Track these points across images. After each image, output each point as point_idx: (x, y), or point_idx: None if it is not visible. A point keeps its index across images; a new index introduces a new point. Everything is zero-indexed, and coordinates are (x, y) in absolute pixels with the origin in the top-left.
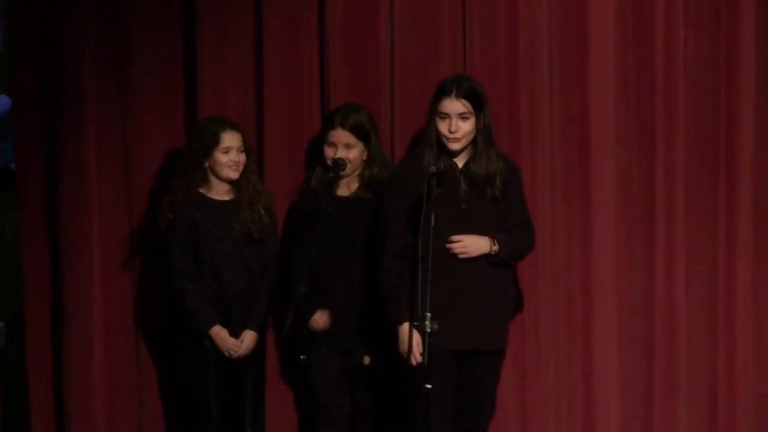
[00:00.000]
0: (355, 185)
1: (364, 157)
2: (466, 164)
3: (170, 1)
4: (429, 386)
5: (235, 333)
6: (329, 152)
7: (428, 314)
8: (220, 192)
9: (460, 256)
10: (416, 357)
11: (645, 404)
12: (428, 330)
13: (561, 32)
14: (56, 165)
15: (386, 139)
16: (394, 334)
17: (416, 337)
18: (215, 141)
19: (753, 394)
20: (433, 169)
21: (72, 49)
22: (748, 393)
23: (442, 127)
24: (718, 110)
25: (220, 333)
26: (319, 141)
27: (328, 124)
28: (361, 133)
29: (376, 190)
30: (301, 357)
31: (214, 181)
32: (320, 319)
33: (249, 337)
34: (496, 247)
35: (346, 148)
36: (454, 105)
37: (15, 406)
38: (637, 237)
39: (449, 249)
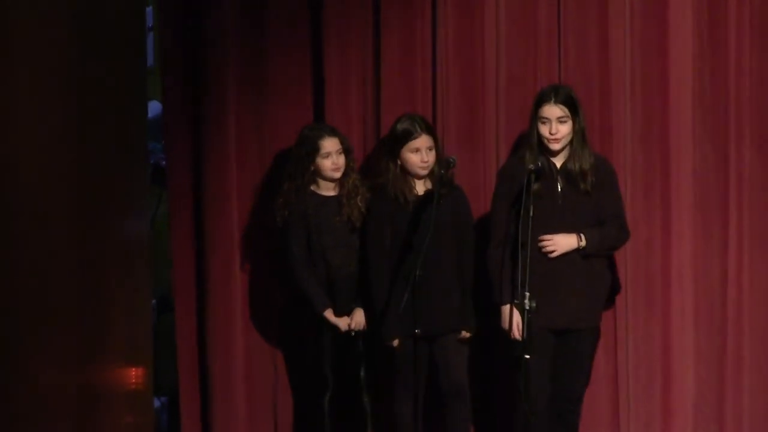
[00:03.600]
0: (429, 183)
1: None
2: (564, 164)
3: (300, 19)
4: (527, 357)
5: (345, 310)
6: (419, 157)
7: (527, 294)
8: (327, 188)
9: (551, 254)
10: (515, 334)
11: (718, 376)
12: (527, 308)
13: (643, 47)
14: (201, 162)
15: (491, 142)
16: (498, 314)
17: (516, 317)
18: (316, 148)
19: None
20: (531, 166)
21: (216, 61)
22: None
23: (544, 130)
24: None
25: (331, 316)
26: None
27: (412, 132)
28: (435, 136)
29: (451, 185)
30: (416, 331)
31: (320, 179)
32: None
33: (358, 315)
34: (583, 243)
35: (429, 150)
36: (553, 110)
37: (166, 373)
38: (711, 227)
39: (541, 248)
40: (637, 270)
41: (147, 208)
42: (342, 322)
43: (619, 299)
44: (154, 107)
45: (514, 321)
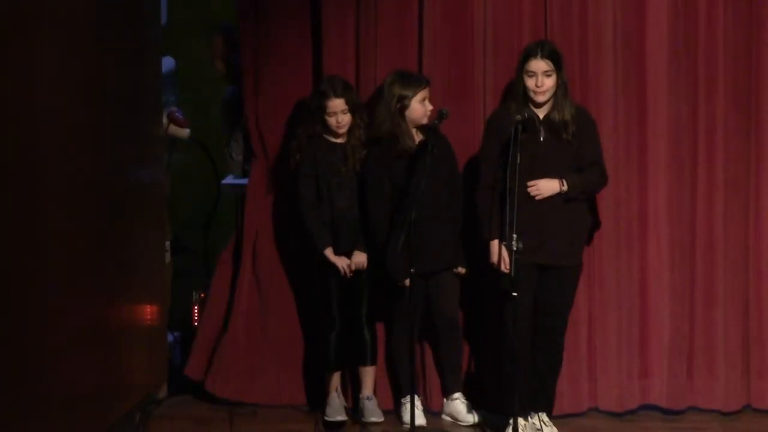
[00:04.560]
0: (420, 134)
1: None
2: (547, 115)
3: None
4: (515, 294)
5: (348, 251)
6: (426, 106)
7: (515, 235)
8: (336, 136)
9: (536, 197)
10: (504, 267)
11: (690, 312)
12: (514, 248)
13: (623, 5)
14: None
15: (479, 95)
16: (487, 250)
17: (504, 252)
18: (322, 107)
19: None
20: (518, 117)
21: None
22: None
23: (530, 83)
24: (748, 70)
25: (331, 254)
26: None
27: (420, 84)
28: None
29: (440, 135)
30: (412, 270)
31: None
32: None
33: (357, 256)
34: (565, 188)
35: (429, 100)
36: (539, 64)
37: (179, 310)
38: (684, 172)
39: (527, 192)
40: (617, 213)
41: (162, 155)
42: (341, 261)
43: (599, 240)
44: (167, 62)
45: (502, 256)
